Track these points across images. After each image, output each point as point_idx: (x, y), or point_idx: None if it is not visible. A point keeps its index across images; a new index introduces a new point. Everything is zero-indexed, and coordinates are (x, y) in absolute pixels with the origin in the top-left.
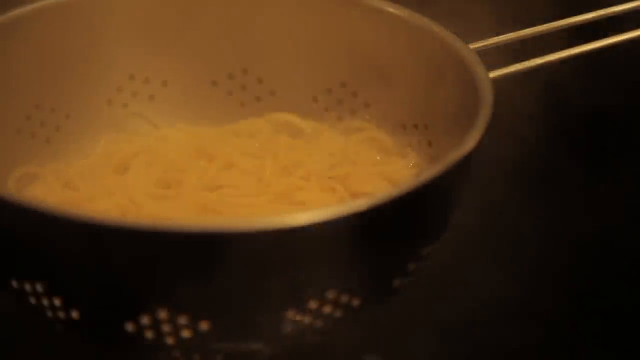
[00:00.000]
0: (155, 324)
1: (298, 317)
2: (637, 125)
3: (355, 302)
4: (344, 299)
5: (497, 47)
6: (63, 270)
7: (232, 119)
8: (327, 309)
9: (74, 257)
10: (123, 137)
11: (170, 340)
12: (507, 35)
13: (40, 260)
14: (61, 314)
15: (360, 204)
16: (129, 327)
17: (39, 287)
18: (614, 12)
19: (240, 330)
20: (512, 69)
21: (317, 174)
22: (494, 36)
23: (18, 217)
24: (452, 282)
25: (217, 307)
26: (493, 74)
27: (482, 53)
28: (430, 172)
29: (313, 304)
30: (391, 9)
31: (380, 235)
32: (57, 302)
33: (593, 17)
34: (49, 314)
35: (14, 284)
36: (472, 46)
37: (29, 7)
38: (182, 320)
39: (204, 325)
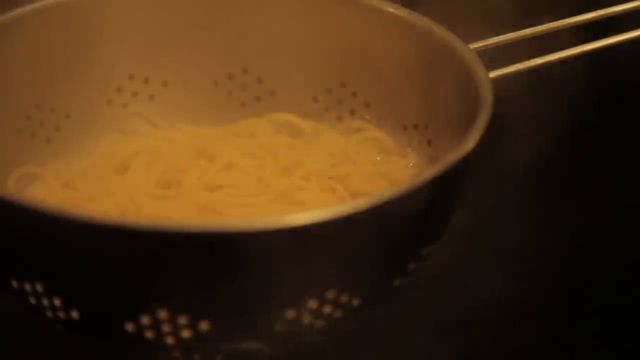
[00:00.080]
0: (155, 324)
1: (298, 317)
2: (636, 125)
3: (355, 302)
4: (344, 299)
5: (497, 47)
6: (63, 270)
7: (232, 119)
8: (327, 309)
9: (74, 257)
10: (123, 137)
11: (170, 340)
12: (507, 35)
13: (40, 260)
14: (61, 314)
15: (360, 204)
16: (129, 327)
17: (39, 287)
18: (614, 12)
19: (240, 330)
20: (512, 69)
21: (317, 174)
22: (494, 36)
23: (18, 217)
24: (452, 282)
25: (217, 307)
26: (493, 74)
27: (482, 53)
28: (430, 172)
29: (313, 304)
30: (391, 9)
31: (380, 235)
32: (57, 302)
33: (593, 17)
34: (49, 314)
35: (14, 284)
36: (472, 46)
37: (28, 7)
38: (182, 320)
39: (204, 325)
